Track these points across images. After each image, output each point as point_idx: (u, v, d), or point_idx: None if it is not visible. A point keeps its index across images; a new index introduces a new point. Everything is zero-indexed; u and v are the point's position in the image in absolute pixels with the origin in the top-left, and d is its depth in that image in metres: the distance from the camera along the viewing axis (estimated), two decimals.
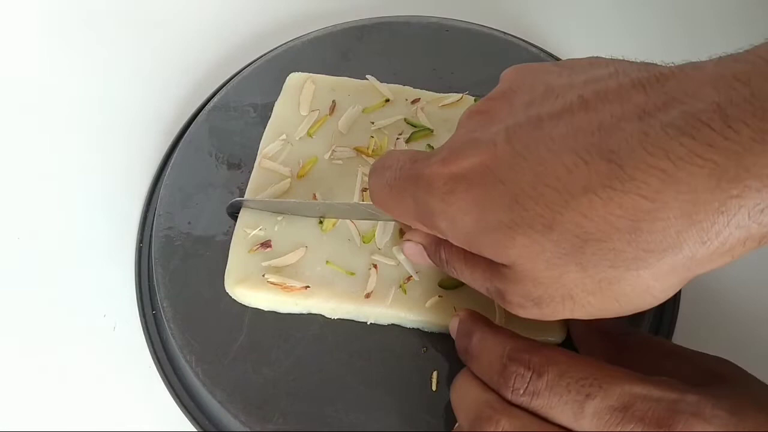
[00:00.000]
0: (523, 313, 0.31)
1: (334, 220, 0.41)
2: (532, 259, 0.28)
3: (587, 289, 0.28)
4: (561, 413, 0.30)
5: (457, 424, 0.35)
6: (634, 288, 0.28)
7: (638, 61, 0.30)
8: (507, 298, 0.31)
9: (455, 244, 0.32)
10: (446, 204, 0.30)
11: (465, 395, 0.34)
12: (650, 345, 0.35)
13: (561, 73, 0.31)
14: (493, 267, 0.31)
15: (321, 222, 0.42)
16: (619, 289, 0.28)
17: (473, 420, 0.32)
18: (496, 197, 0.29)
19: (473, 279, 0.33)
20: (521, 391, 0.31)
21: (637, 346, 0.35)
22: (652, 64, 0.29)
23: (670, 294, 0.28)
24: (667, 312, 0.42)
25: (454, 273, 0.34)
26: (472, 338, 0.35)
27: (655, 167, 0.26)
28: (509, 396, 0.32)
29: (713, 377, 0.32)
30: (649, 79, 0.28)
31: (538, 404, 0.31)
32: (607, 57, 0.31)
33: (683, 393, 0.30)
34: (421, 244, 0.36)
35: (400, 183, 0.33)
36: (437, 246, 0.35)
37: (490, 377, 0.33)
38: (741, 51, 0.27)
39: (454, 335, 0.37)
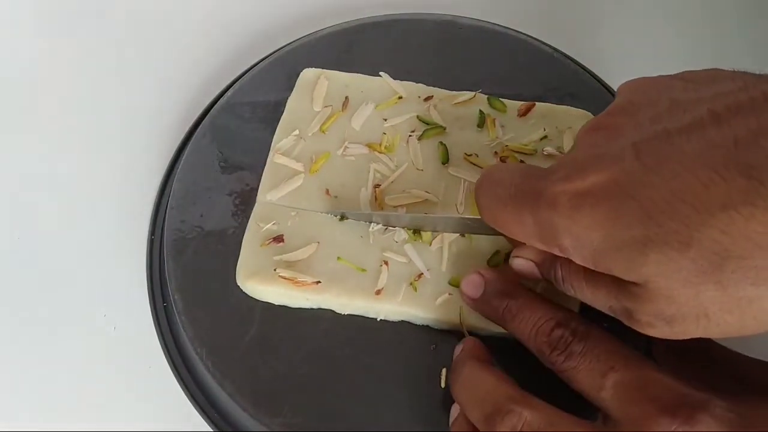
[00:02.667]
0: (651, 332, 0.30)
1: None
2: (668, 277, 0.28)
3: (725, 308, 0.28)
4: (584, 379, 0.32)
5: (455, 416, 0.35)
6: None
7: (762, 73, 0.29)
8: (635, 317, 0.30)
9: (578, 262, 0.31)
10: (572, 221, 0.30)
11: (476, 387, 0.34)
12: (696, 344, 0.35)
13: (685, 87, 0.31)
14: (620, 285, 0.30)
15: (341, 219, 0.42)
16: (760, 307, 0.27)
17: (491, 413, 0.32)
18: (627, 213, 0.28)
19: (595, 297, 0.32)
20: (559, 352, 0.33)
21: (716, 359, 0.35)
22: None
23: None
24: None
25: (572, 291, 0.33)
26: (518, 299, 0.36)
27: None
28: (547, 354, 0.33)
29: None
30: None
31: (567, 365, 0.32)
32: (728, 69, 0.31)
33: (697, 391, 0.30)
34: (533, 261, 0.35)
35: (517, 200, 0.32)
36: (552, 263, 0.34)
37: (532, 337, 0.34)
38: None
39: (474, 293, 0.37)
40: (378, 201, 0.42)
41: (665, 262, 0.28)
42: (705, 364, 0.35)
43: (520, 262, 0.36)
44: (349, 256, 0.41)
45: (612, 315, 0.32)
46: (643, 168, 0.28)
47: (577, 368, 0.32)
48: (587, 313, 0.35)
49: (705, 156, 0.27)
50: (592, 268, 0.30)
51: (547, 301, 0.35)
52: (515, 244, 0.36)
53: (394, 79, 0.47)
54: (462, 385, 0.35)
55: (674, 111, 0.29)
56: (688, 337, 0.30)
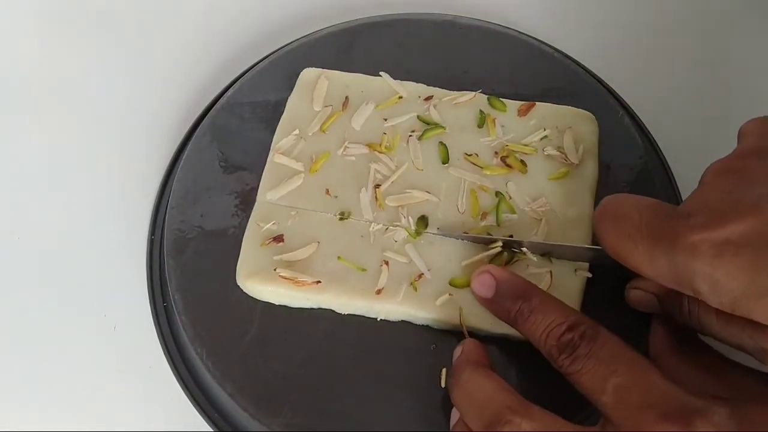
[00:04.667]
0: None
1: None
2: None
3: None
4: (588, 381, 0.32)
5: (456, 420, 0.35)
6: None
7: None
8: None
9: (713, 305, 0.31)
10: (713, 268, 0.30)
11: (476, 393, 0.34)
12: (706, 353, 0.36)
13: None
14: (756, 327, 0.31)
15: (341, 218, 0.42)
16: None
17: (489, 422, 0.32)
18: None
19: (725, 334, 0.33)
20: (565, 355, 0.33)
21: (694, 351, 0.36)
22: None
23: None
24: None
25: (697, 325, 0.34)
26: (531, 301, 0.35)
27: None
28: (556, 357, 0.33)
29: None
30: None
31: (573, 368, 0.32)
32: None
33: (696, 398, 0.30)
34: (654, 294, 0.36)
35: (650, 241, 0.32)
36: (678, 298, 0.35)
37: (543, 340, 0.34)
38: None
39: (487, 292, 0.37)
40: (378, 201, 0.42)
41: None
42: (704, 367, 0.35)
43: (639, 294, 0.36)
44: (350, 255, 0.41)
45: (740, 350, 0.33)
46: None
47: (581, 371, 0.32)
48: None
49: None
50: (729, 311, 0.31)
51: (559, 303, 0.35)
52: (632, 274, 0.36)
53: (395, 79, 0.47)
54: (460, 391, 0.35)
55: None
56: None
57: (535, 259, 0.41)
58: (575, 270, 0.40)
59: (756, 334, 0.31)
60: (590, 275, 0.40)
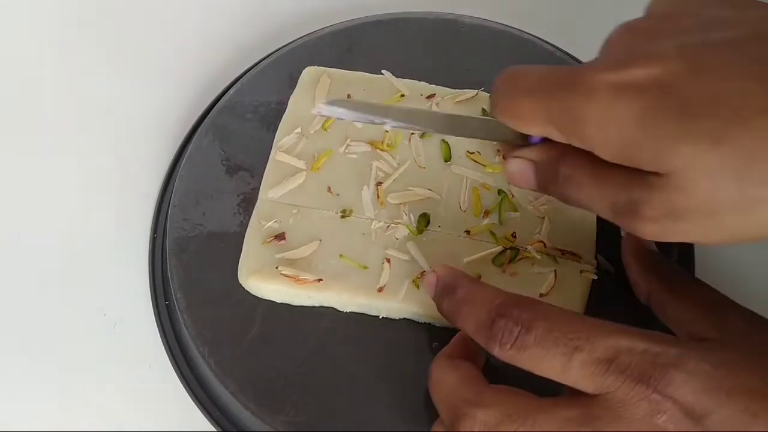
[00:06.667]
0: (650, 230, 0.30)
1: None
2: (693, 169, 0.28)
3: (737, 208, 0.28)
4: (549, 366, 0.31)
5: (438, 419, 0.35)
6: None
7: None
8: (641, 211, 0.30)
9: (597, 152, 0.30)
10: (606, 111, 0.29)
11: (441, 390, 0.33)
12: (697, 290, 0.36)
13: (723, 6, 0.32)
14: (634, 176, 0.30)
15: (343, 216, 0.42)
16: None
17: (452, 421, 0.32)
18: (666, 108, 0.29)
19: (599, 191, 0.31)
20: (508, 346, 0.31)
21: (685, 289, 0.36)
22: None
23: None
24: None
25: (573, 189, 0.32)
26: (456, 294, 0.34)
27: None
28: (496, 350, 0.31)
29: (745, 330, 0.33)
30: None
31: (525, 357, 0.31)
32: None
33: (667, 347, 0.30)
34: (533, 162, 0.34)
35: (545, 88, 0.31)
36: (557, 161, 0.33)
37: (477, 333, 0.32)
38: None
39: (431, 293, 0.36)
40: (380, 199, 0.42)
41: (696, 154, 0.28)
42: (696, 306, 0.35)
43: (517, 163, 0.34)
44: (351, 253, 0.41)
45: (609, 216, 0.31)
46: (688, 68, 0.29)
47: (538, 357, 0.31)
48: None
49: (747, 68, 0.28)
50: (610, 159, 0.30)
51: (486, 289, 0.34)
52: (509, 150, 0.35)
53: (396, 77, 0.47)
54: (432, 388, 0.34)
55: (717, 25, 0.30)
56: (683, 240, 0.30)
57: (539, 257, 0.40)
58: (580, 271, 0.40)
59: (633, 184, 0.30)
60: (596, 277, 0.40)
